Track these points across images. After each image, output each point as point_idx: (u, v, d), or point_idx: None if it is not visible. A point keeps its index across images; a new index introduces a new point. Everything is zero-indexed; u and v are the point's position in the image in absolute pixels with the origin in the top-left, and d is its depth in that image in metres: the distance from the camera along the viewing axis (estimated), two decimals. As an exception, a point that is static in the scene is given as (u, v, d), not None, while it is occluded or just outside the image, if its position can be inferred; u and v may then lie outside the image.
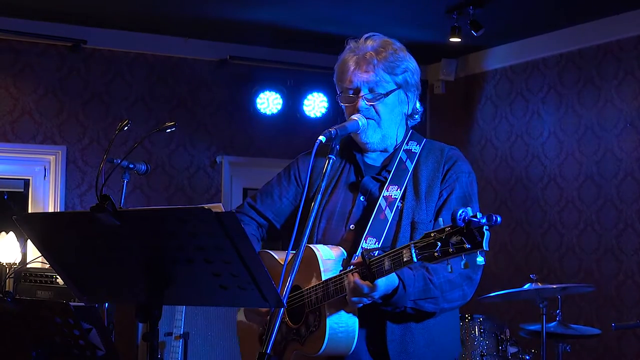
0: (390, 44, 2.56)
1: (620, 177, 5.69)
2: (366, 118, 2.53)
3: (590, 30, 5.90)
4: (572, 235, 6.00)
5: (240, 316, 2.74)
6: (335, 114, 6.57)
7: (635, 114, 5.62)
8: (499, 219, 2.00)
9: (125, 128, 4.14)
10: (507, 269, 6.43)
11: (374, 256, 2.24)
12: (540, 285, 4.50)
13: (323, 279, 2.38)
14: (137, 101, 6.32)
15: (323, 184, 2.42)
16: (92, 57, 6.19)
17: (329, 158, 2.43)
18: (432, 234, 2.10)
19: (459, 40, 5.80)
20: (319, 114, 6.63)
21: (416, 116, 2.64)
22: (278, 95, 6.50)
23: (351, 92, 2.56)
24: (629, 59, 5.68)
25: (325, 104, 6.61)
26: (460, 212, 2.02)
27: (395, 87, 2.54)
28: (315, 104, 6.62)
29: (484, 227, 2.00)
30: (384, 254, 2.22)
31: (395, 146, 2.59)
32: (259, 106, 6.49)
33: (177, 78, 6.47)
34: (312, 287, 2.40)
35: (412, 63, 2.58)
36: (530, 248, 6.30)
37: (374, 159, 2.62)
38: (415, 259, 2.12)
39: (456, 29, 5.71)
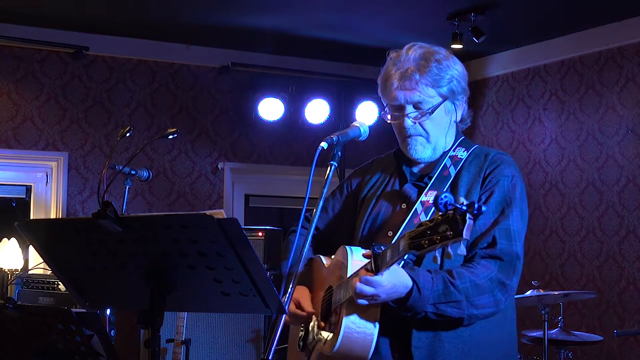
0: (433, 54, 2.48)
1: (622, 183, 5.69)
2: (414, 135, 2.49)
3: (592, 37, 5.90)
4: (574, 242, 5.99)
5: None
6: (336, 120, 6.57)
7: (637, 121, 5.61)
8: (483, 207, 1.91)
9: (127, 135, 4.15)
10: (509, 276, 6.43)
11: (382, 250, 2.21)
12: (542, 291, 4.50)
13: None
14: (139, 108, 6.33)
15: (325, 191, 2.41)
16: (94, 63, 6.20)
17: (331, 164, 2.42)
18: (424, 223, 2.05)
19: (460, 46, 5.80)
20: (320, 121, 6.62)
21: (467, 121, 2.59)
22: (280, 102, 6.51)
23: (395, 108, 2.51)
24: (631, 66, 5.68)
25: (327, 111, 6.61)
26: (442, 196, 1.95)
27: (441, 99, 2.47)
28: (317, 111, 6.62)
29: (467, 215, 1.92)
30: (389, 246, 2.19)
31: (442, 153, 2.54)
32: (260, 113, 6.49)
33: (179, 85, 6.48)
34: (338, 286, 2.40)
35: (457, 69, 2.50)
36: (532, 254, 6.30)
37: (420, 166, 2.58)
38: (407, 248, 2.08)
39: (457, 35, 5.71)
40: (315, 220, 2.40)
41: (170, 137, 4.33)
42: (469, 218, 1.92)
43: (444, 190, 2.43)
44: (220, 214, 3.96)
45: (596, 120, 5.89)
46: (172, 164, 6.42)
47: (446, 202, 1.95)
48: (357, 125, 2.52)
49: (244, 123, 6.63)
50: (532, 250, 6.30)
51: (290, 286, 2.27)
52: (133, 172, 4.21)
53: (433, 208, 2.37)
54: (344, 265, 2.39)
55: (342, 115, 6.63)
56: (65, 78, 6.11)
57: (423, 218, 2.39)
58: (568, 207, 6.06)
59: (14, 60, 5.96)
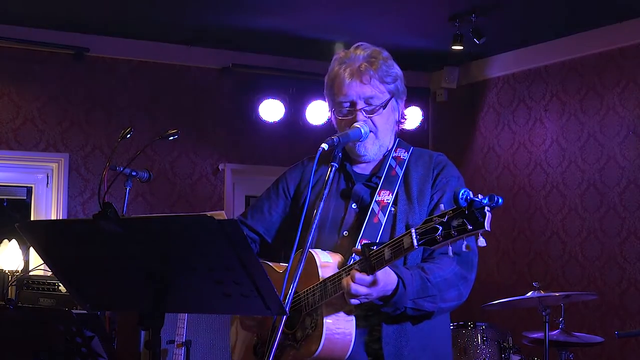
0: (380, 52, 2.58)
1: (623, 184, 5.69)
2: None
3: (593, 38, 5.90)
4: (575, 243, 5.99)
5: (233, 327, 2.73)
6: (337, 122, 6.56)
7: (637, 122, 5.61)
8: (500, 200, 1.99)
9: (128, 136, 4.14)
10: (510, 277, 6.42)
11: (374, 249, 2.24)
12: (543, 293, 4.49)
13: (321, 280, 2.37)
14: (139, 109, 6.32)
15: (325, 191, 2.42)
16: (95, 65, 6.20)
17: (332, 166, 2.45)
18: (434, 219, 2.09)
19: (461, 48, 5.80)
20: (321, 122, 6.61)
21: (403, 121, 2.66)
22: (280, 103, 6.50)
23: (346, 104, 2.56)
24: (631, 67, 5.68)
25: (328, 112, 6.60)
26: (462, 191, 2.00)
27: (389, 96, 2.55)
28: (317, 112, 6.61)
29: (486, 208, 1.99)
30: (384, 244, 2.22)
31: (384, 153, 2.61)
32: (261, 114, 6.49)
33: (179, 86, 6.48)
34: (310, 288, 2.40)
35: (399, 70, 2.61)
36: (533, 256, 6.29)
37: (364, 168, 2.63)
38: (416, 245, 2.11)
39: (458, 36, 5.71)
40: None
41: (171, 138, 4.32)
42: (488, 210, 1.98)
43: (395, 189, 2.49)
44: (221, 215, 3.96)
45: (597, 122, 5.89)
46: (172, 165, 6.42)
47: (467, 196, 2.00)
48: (358, 126, 2.53)
49: (245, 124, 6.63)
50: (533, 252, 6.29)
51: (291, 287, 2.27)
52: (134, 173, 4.20)
53: (390, 207, 2.46)
54: (312, 270, 2.39)
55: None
56: (66, 79, 6.11)
57: (381, 217, 2.45)
58: (569, 208, 6.05)
59: (15, 61, 5.95)
